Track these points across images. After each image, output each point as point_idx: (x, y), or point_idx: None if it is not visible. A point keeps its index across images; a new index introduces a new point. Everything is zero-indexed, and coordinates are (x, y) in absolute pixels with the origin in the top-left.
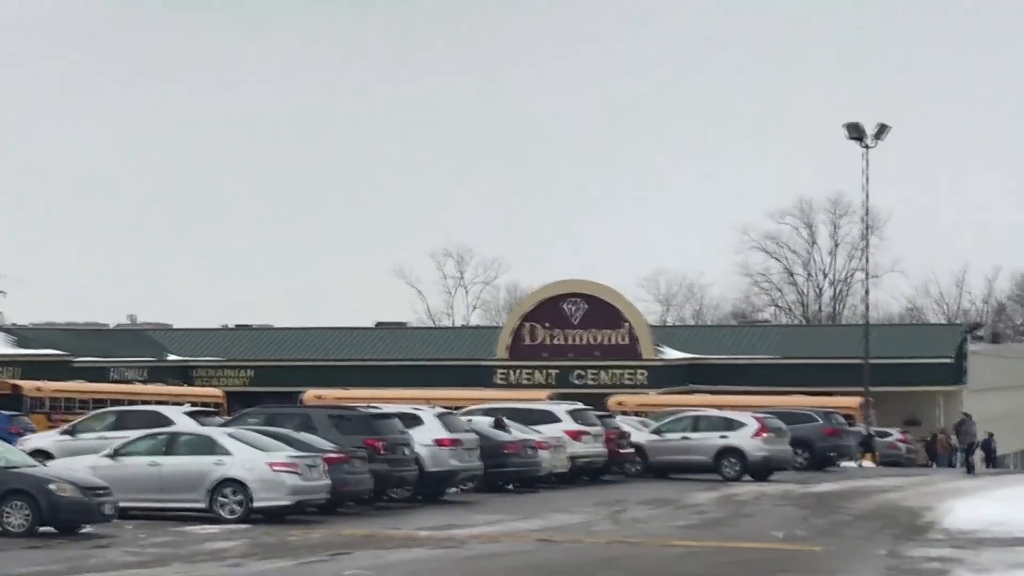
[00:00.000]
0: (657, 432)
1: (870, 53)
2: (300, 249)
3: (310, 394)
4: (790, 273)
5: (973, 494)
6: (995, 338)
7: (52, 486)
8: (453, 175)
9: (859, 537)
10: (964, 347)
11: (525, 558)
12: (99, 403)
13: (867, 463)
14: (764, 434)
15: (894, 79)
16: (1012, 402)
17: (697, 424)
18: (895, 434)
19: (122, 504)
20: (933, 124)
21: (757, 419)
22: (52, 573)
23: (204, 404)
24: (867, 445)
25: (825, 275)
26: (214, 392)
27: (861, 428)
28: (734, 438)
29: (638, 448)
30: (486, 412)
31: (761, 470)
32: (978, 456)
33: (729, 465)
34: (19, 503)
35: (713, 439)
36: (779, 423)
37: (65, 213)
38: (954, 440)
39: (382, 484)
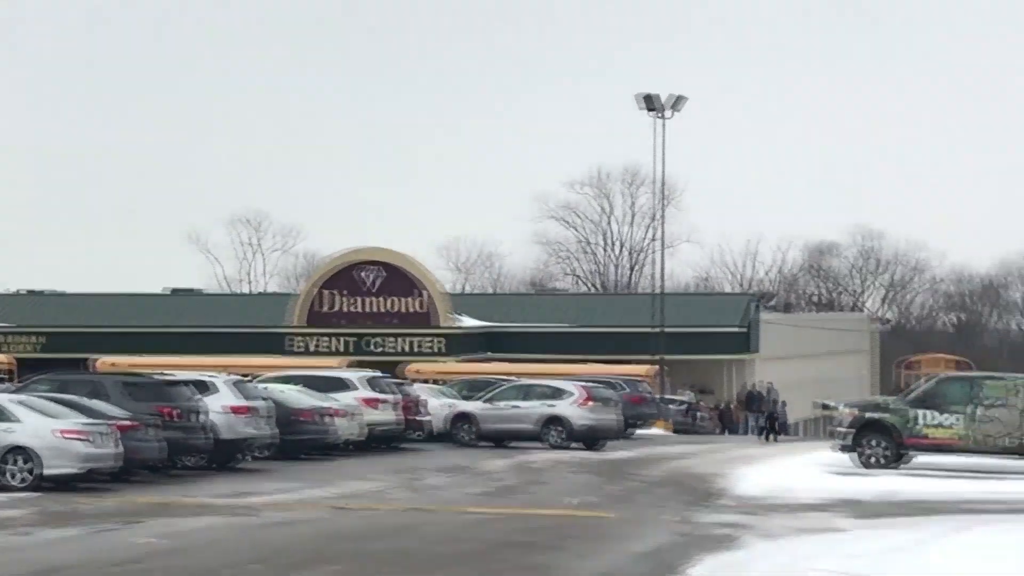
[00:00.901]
0: (489, 400)
1: (667, 23)
2: (92, 214)
3: (103, 361)
4: (586, 243)
5: (763, 461)
6: (786, 308)
7: None
8: (248, 140)
9: (651, 504)
10: (754, 317)
11: (319, 526)
12: None
13: (659, 430)
14: (589, 403)
15: (690, 50)
16: (802, 371)
17: (527, 392)
18: (688, 399)
19: None
20: (729, 96)
21: (583, 388)
22: None
23: None
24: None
25: (621, 245)
26: (2, 359)
27: (686, 396)
28: (560, 407)
29: (469, 416)
30: (284, 379)
31: (586, 438)
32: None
33: (556, 434)
34: None
35: (540, 408)
36: (609, 393)
37: None
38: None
39: (175, 452)
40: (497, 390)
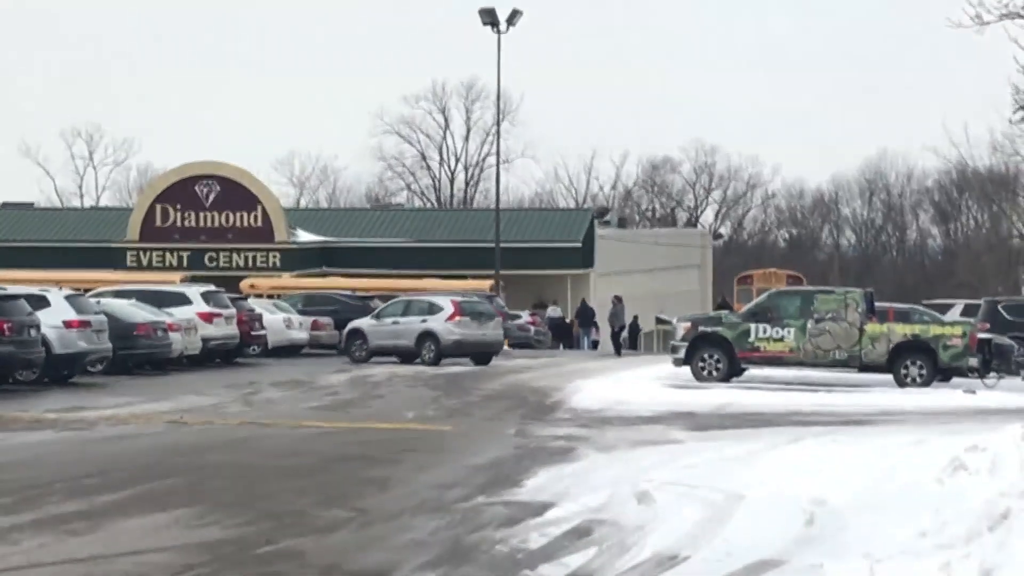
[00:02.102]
0: (376, 316)
1: None
2: None
3: None
4: (424, 157)
5: (600, 375)
6: (622, 223)
7: None
8: (80, 50)
9: (489, 417)
10: (592, 232)
11: (155, 439)
12: None
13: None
14: (457, 318)
15: None
16: (639, 286)
17: (408, 308)
18: (525, 316)
19: None
20: (567, 10)
21: (453, 303)
22: None
23: None
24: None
25: (458, 160)
26: None
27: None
28: (432, 322)
29: (359, 332)
30: (122, 294)
31: (454, 354)
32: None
33: (427, 350)
34: None
35: (415, 323)
36: (484, 307)
37: None
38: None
39: (8, 367)
40: (385, 305)
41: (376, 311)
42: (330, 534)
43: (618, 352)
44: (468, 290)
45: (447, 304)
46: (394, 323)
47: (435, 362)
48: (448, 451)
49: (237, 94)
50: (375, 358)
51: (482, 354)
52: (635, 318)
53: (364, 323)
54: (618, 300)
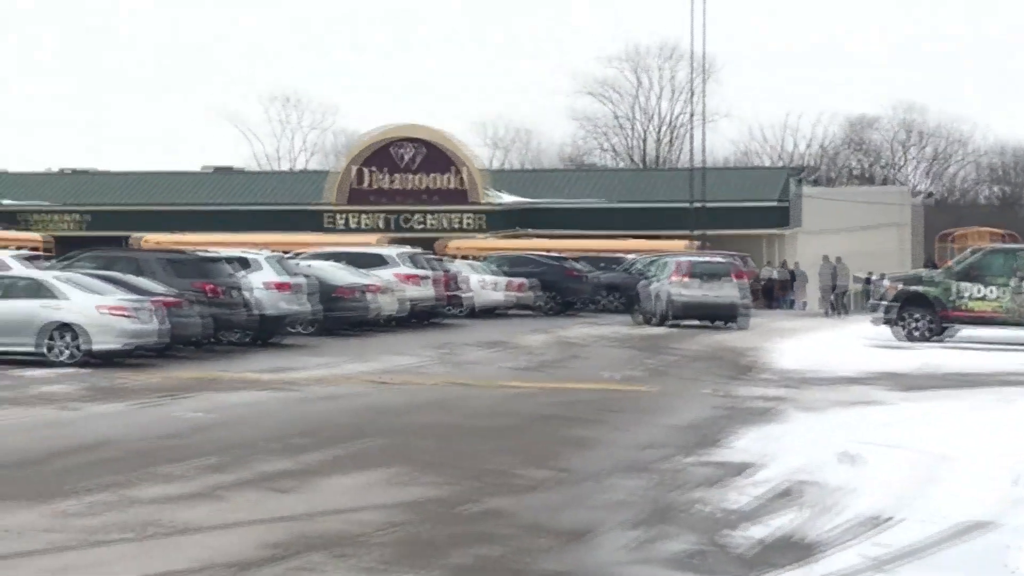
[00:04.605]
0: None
1: None
2: (127, 92)
3: (147, 239)
4: (622, 118)
5: (802, 335)
6: (826, 182)
7: None
8: (282, 15)
9: (688, 377)
10: (794, 191)
11: (360, 400)
12: None
13: None
14: (683, 278)
15: None
16: (842, 245)
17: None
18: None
19: None
20: None
21: (678, 263)
22: None
23: (23, 248)
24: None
25: (658, 120)
26: (33, 237)
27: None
28: (659, 283)
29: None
30: (323, 256)
31: (681, 315)
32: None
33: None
34: None
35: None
36: (715, 268)
37: None
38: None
39: (217, 328)
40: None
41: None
42: (532, 493)
43: (828, 312)
44: (665, 251)
45: (672, 264)
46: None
47: (660, 323)
48: (647, 411)
49: (435, 57)
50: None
51: (713, 316)
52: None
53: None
54: (828, 259)
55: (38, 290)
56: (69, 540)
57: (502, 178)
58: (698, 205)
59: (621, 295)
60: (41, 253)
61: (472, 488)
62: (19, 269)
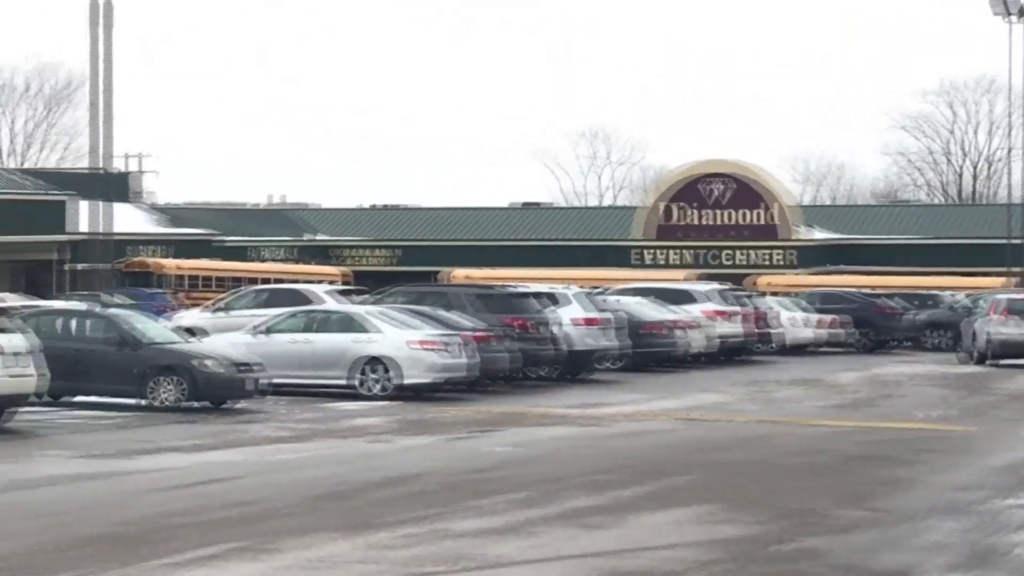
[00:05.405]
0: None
1: None
2: (439, 129)
3: (457, 273)
4: (936, 153)
5: None
6: None
7: (203, 362)
8: (594, 54)
9: (1008, 418)
10: None
11: (669, 436)
12: (235, 281)
13: None
14: (1002, 316)
15: None
16: None
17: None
18: None
19: (269, 380)
20: None
21: (996, 300)
22: (203, 447)
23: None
24: None
25: (974, 154)
26: (332, 270)
27: None
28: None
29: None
30: (631, 292)
31: (1000, 354)
32: None
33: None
34: (170, 378)
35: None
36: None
37: (219, 92)
38: None
39: (526, 363)
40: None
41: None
42: (847, 533)
43: None
44: (979, 288)
45: (990, 301)
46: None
47: (979, 361)
48: (963, 452)
49: (744, 92)
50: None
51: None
52: None
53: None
54: None
55: (350, 324)
56: (382, 571)
57: (813, 213)
58: (1016, 241)
59: (945, 332)
60: (344, 287)
61: (785, 527)
62: (331, 304)
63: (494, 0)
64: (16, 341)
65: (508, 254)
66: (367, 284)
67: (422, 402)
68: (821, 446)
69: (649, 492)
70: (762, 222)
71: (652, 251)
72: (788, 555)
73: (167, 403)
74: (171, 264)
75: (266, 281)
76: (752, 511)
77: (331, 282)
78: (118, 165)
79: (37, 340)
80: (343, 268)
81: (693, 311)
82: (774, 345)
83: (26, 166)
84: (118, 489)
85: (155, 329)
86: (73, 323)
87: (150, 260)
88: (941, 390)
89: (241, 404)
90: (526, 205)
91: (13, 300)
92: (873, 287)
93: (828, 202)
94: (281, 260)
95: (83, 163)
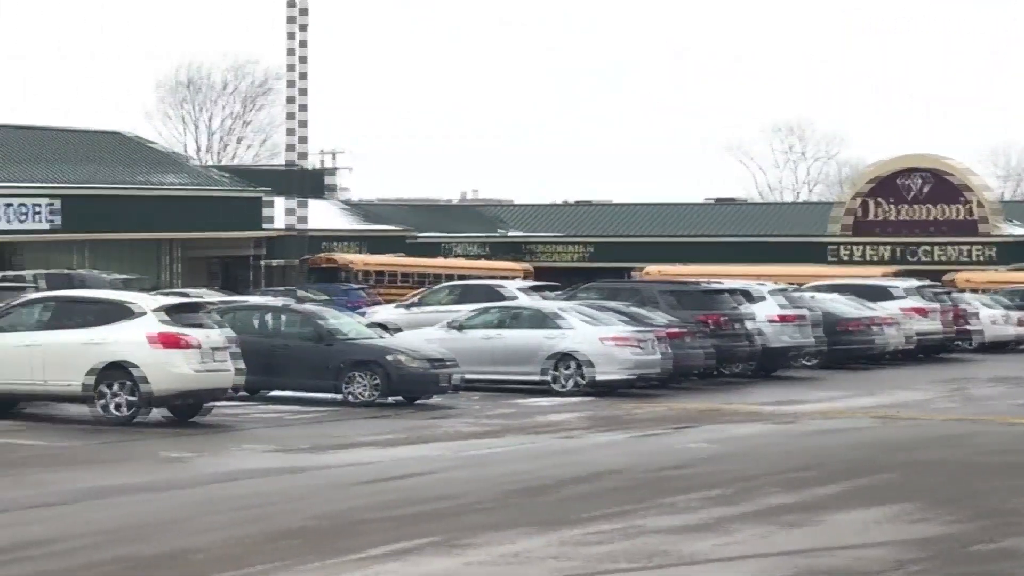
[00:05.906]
0: None
1: None
2: (634, 124)
3: (649, 270)
4: None
5: None
6: None
7: (397, 357)
8: (789, 47)
9: None
10: None
11: (866, 434)
12: (419, 277)
13: None
14: None
15: None
16: None
17: None
18: None
19: (462, 376)
20: None
21: None
22: (397, 442)
23: (504, 277)
24: None
25: None
26: (513, 266)
27: None
28: None
29: None
30: (826, 288)
31: None
32: None
33: None
34: (364, 374)
35: None
36: None
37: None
38: None
39: (720, 359)
40: None
41: None
42: None
43: None
44: None
45: None
46: None
47: None
48: None
49: (941, 83)
50: None
51: None
52: None
53: None
54: None
55: (543, 320)
56: (575, 568)
57: (1013, 209)
58: None
59: None
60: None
61: (986, 526)
62: (524, 300)
63: None
64: (214, 336)
65: (701, 250)
66: (559, 280)
67: (615, 398)
68: (1021, 445)
69: (845, 490)
70: (961, 217)
71: (849, 247)
72: (988, 555)
73: (361, 398)
74: (357, 260)
75: (449, 277)
76: (951, 510)
77: (513, 277)
78: (313, 162)
79: (234, 335)
80: (525, 264)
81: (891, 308)
82: (973, 343)
83: (223, 163)
84: (313, 483)
85: (349, 324)
86: (269, 318)
87: (336, 256)
88: None
89: (434, 400)
90: (720, 201)
91: (210, 295)
92: None
93: None
94: (474, 256)
95: (278, 160)
